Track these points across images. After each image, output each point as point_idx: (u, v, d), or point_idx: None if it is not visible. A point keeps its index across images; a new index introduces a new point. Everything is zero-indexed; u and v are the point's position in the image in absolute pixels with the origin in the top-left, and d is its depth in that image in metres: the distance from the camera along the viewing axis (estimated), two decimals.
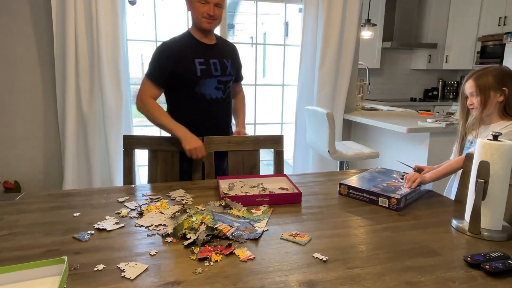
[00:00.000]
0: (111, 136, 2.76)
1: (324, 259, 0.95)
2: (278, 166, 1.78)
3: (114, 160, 2.81)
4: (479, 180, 1.07)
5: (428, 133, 2.55)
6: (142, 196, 1.43)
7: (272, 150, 1.80)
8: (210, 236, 1.04)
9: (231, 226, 1.10)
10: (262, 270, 0.90)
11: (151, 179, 1.73)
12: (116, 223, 1.16)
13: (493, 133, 1.09)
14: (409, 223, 1.20)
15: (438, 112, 4.24)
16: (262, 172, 1.82)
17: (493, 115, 1.53)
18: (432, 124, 2.58)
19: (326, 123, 2.48)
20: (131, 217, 1.22)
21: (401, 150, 2.85)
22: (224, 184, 1.53)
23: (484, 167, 1.06)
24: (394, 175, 1.57)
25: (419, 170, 1.59)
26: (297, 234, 1.09)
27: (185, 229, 1.06)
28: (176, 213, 1.11)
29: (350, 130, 3.53)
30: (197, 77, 1.68)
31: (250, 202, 1.33)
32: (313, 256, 0.97)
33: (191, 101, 1.71)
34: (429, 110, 4.57)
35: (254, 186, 1.53)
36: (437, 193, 1.52)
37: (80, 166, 2.80)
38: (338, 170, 2.90)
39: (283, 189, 1.50)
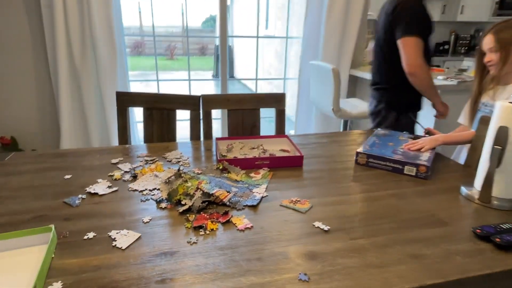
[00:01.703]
0: (106, 92, 2.66)
1: (326, 228, 0.91)
2: (279, 126, 1.70)
3: (111, 117, 2.73)
4: (495, 146, 0.99)
5: (438, 91, 2.42)
6: (137, 157, 1.37)
7: (274, 108, 1.71)
8: (206, 202, 0.99)
9: (228, 192, 1.04)
10: (260, 240, 0.86)
11: (147, 138, 1.67)
12: (109, 187, 1.12)
13: None
14: (415, 189, 1.15)
15: (448, 68, 4.05)
16: (263, 131, 1.74)
17: None
18: (443, 81, 2.45)
19: (331, 80, 2.35)
20: (124, 180, 1.17)
21: None
22: (222, 146, 1.46)
23: (502, 133, 0.98)
24: (403, 138, 1.49)
25: (429, 133, 1.51)
26: (298, 201, 1.04)
27: (180, 195, 1.01)
28: (171, 178, 1.06)
29: (355, 86, 3.39)
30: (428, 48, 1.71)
31: (249, 165, 1.27)
32: (314, 225, 0.93)
33: None
34: (438, 66, 4.37)
35: (253, 148, 1.47)
36: (445, 157, 1.45)
37: (77, 123, 2.73)
38: (341, 129, 2.82)
39: (284, 151, 1.44)
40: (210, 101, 1.64)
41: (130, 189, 1.11)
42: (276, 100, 1.69)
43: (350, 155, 1.42)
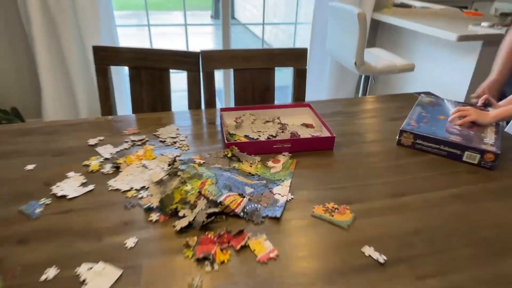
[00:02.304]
0: (88, 41, 2.26)
1: (381, 260, 0.65)
2: (298, 90, 1.38)
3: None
4: None
5: (481, 42, 2.05)
6: (121, 135, 1.08)
7: (291, 68, 1.37)
8: (213, 216, 0.72)
9: (241, 196, 0.78)
10: (290, 281, 0.61)
11: (135, 107, 1.36)
12: (82, 184, 0.84)
13: None
14: (483, 187, 0.88)
15: (476, 9, 3.56)
16: (278, 98, 1.42)
17: None
18: (489, 29, 2.06)
19: (356, 26, 1.97)
20: (103, 173, 0.89)
21: (440, 62, 2.38)
22: (229, 119, 1.16)
23: None
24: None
25: (486, 105, 1.20)
26: (335, 208, 0.78)
27: (177, 203, 0.74)
28: (164, 177, 0.78)
29: (376, 33, 2.96)
30: None
31: (265, 149, 0.99)
32: (364, 252, 0.67)
33: None
34: (466, 7, 3.86)
35: (268, 121, 1.17)
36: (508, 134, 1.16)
37: (59, 81, 2.36)
38: (361, 86, 2.47)
39: (307, 126, 1.14)
40: (212, 59, 1.30)
41: (110, 188, 0.84)
42: (296, 57, 1.34)
43: (389, 132, 1.13)
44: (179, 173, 0.79)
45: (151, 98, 1.35)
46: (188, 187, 0.76)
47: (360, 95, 2.46)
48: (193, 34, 5.62)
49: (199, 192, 0.76)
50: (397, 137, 1.05)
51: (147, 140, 1.05)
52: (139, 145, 1.03)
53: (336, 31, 2.29)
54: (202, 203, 0.73)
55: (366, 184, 0.88)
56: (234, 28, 7.84)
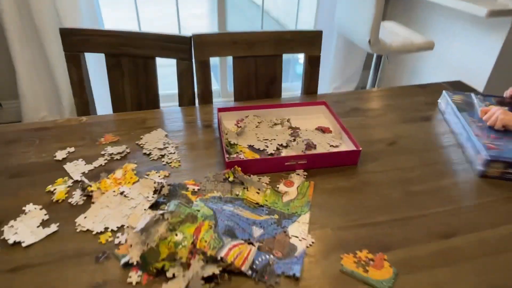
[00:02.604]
0: (68, 22, 1.97)
1: None
2: (309, 82, 1.16)
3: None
4: None
5: (510, 19, 1.81)
6: (97, 144, 0.88)
7: (302, 55, 1.15)
8: (212, 281, 0.54)
9: (248, 242, 0.60)
10: None
11: (116, 103, 1.14)
12: (43, 224, 0.66)
13: None
14: None
15: None
16: (285, 91, 1.20)
17: None
18: None
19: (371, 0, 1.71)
20: (71, 204, 0.70)
21: (460, 40, 2.14)
22: (229, 122, 0.96)
23: None
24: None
25: None
26: (369, 260, 0.60)
27: (164, 259, 0.56)
28: (148, 223, 0.59)
29: (387, 3, 2.67)
30: None
31: (275, 167, 0.80)
32: None
33: None
34: None
35: (276, 124, 0.97)
36: None
37: (39, 72, 2.08)
38: (372, 65, 2.22)
39: (323, 131, 0.94)
40: (207, 44, 1.07)
41: (79, 229, 0.65)
42: (308, 41, 1.11)
43: (424, 139, 0.94)
44: (166, 215, 0.60)
45: (135, 92, 1.13)
46: (178, 236, 0.57)
47: (370, 77, 2.23)
48: (189, 18, 5.10)
49: (193, 244, 0.57)
50: (479, 168, 0.81)
51: (128, 153, 0.85)
52: (118, 159, 0.83)
53: (347, 3, 2.02)
54: (196, 264, 0.54)
55: (404, 218, 0.70)
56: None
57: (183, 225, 0.59)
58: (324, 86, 2.72)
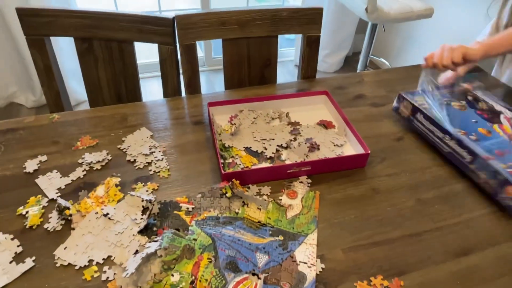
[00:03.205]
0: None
1: None
2: (307, 65, 1.05)
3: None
4: None
5: None
6: (72, 149, 0.78)
7: (300, 36, 1.03)
8: None
9: (253, 274, 0.53)
10: None
11: (92, 94, 1.01)
12: (16, 258, 0.57)
13: None
14: None
15: None
16: (280, 76, 1.09)
17: None
18: None
19: None
20: (48, 231, 0.61)
21: (459, 4, 2.01)
22: (221, 119, 0.86)
23: None
24: (462, 102, 0.84)
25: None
26: (385, 287, 0.55)
27: None
28: (140, 263, 0.51)
29: None
30: None
31: (276, 175, 0.72)
32: None
33: None
34: None
35: (274, 118, 0.88)
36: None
37: (6, 54, 1.84)
38: (367, 33, 2.08)
39: (326, 126, 0.86)
40: (192, 26, 0.93)
41: (59, 263, 0.57)
42: (307, 20, 0.99)
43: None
44: (159, 252, 0.52)
45: (112, 81, 1.00)
46: (174, 277, 0.50)
47: (365, 46, 2.11)
48: None
49: (192, 285, 0.50)
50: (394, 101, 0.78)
51: (109, 160, 0.75)
52: (98, 169, 0.73)
53: None
54: None
55: (419, 233, 0.64)
56: None
57: (179, 263, 0.52)
58: None
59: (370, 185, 0.73)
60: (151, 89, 2.01)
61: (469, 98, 0.86)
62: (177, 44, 0.95)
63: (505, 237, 0.64)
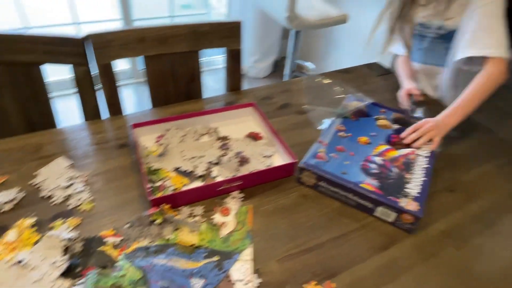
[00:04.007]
0: None
1: None
2: (233, 78, 1.06)
3: None
4: None
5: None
6: None
7: (225, 49, 1.03)
8: None
9: None
10: None
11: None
12: None
13: None
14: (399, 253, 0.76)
15: None
16: (208, 89, 1.09)
17: None
18: None
19: None
20: None
21: (371, 9, 2.19)
22: (148, 140, 0.83)
23: None
24: (383, 122, 0.92)
25: (418, 103, 1.01)
26: None
27: None
28: None
29: None
30: None
31: (208, 194, 0.71)
32: None
33: None
34: None
35: (203, 134, 0.87)
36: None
37: None
38: (292, 41, 2.17)
39: (255, 138, 0.88)
40: (109, 45, 0.88)
41: None
42: (227, 33, 1.00)
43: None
44: None
45: (20, 108, 0.91)
46: None
47: (290, 52, 2.20)
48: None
49: None
50: (296, 175, 0.78)
51: (21, 199, 0.68)
52: (8, 211, 0.66)
53: None
54: None
55: (346, 233, 0.68)
56: None
57: None
58: (244, 60, 2.63)
59: (300, 192, 0.76)
60: (69, 108, 1.86)
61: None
62: (94, 63, 0.89)
63: (419, 229, 0.71)
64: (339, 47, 2.49)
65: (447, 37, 1.05)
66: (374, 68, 1.26)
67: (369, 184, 0.73)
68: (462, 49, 0.95)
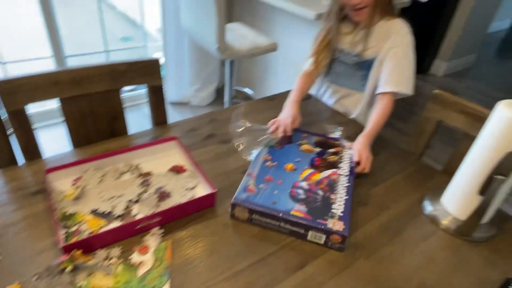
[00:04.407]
0: None
1: None
2: (157, 113, 1.08)
3: None
4: (497, 176, 0.71)
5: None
6: None
7: (145, 86, 1.05)
8: None
9: None
10: None
11: None
12: None
13: None
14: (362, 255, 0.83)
15: None
16: (133, 126, 1.10)
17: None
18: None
19: (212, 5, 1.70)
20: None
21: (301, 37, 2.35)
22: (63, 184, 0.81)
23: (510, 160, 0.69)
24: (307, 147, 0.98)
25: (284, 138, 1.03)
26: None
27: None
28: None
29: (232, 4, 2.73)
30: None
31: (126, 234, 0.71)
32: None
33: None
34: None
35: (124, 172, 0.87)
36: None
37: None
38: (227, 72, 2.25)
39: (177, 171, 0.89)
40: (18, 90, 0.87)
41: None
42: (147, 71, 1.02)
43: None
44: None
45: None
46: None
47: (227, 80, 2.27)
48: (12, 17, 4.12)
49: None
50: (229, 210, 0.79)
51: None
52: None
53: (190, 9, 1.97)
54: None
55: (264, 257, 0.71)
56: None
57: None
58: (185, 89, 2.66)
59: (221, 221, 0.78)
60: None
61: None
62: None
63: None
64: (276, 73, 2.62)
65: (363, 65, 1.16)
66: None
67: (298, 210, 0.77)
68: (382, 85, 1.10)
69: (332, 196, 0.82)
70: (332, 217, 0.76)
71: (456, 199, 0.81)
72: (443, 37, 3.51)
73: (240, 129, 1.06)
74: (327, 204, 0.80)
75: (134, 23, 4.40)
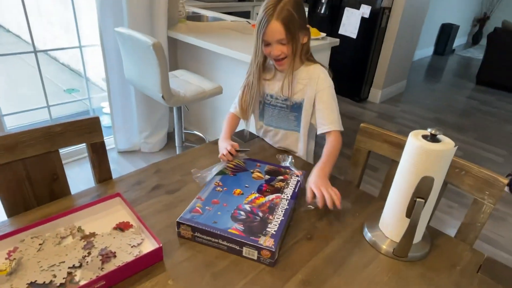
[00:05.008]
0: None
1: None
2: (100, 170, 1.06)
3: None
4: (418, 199, 0.78)
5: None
6: None
7: (84, 145, 1.04)
8: None
9: None
10: None
11: None
12: None
13: (431, 131, 0.77)
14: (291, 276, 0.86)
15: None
16: (74, 186, 1.07)
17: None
18: None
19: (154, 57, 1.75)
20: None
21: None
22: None
23: (426, 184, 0.77)
24: (258, 174, 1.05)
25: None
26: None
27: None
28: None
29: (176, 52, 2.81)
30: None
31: None
32: None
33: None
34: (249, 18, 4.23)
35: (65, 237, 0.84)
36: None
37: None
38: (175, 117, 2.28)
39: (122, 228, 0.88)
40: None
41: None
42: (86, 130, 1.02)
43: None
44: None
45: None
46: None
47: (176, 123, 2.29)
48: None
49: None
50: (176, 229, 0.87)
51: None
52: None
53: (132, 60, 2.00)
54: None
55: None
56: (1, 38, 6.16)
57: None
58: (135, 137, 2.63)
59: (169, 276, 0.77)
60: None
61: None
62: None
63: (280, 282, 0.78)
64: (224, 114, 2.66)
65: (293, 108, 1.25)
66: (242, 135, 1.39)
67: (235, 228, 0.84)
68: (320, 126, 1.19)
69: (270, 217, 0.88)
70: (265, 234, 0.82)
71: (389, 223, 0.88)
72: (376, 68, 3.85)
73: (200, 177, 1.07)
74: (264, 224, 0.86)
75: (79, 74, 4.34)
